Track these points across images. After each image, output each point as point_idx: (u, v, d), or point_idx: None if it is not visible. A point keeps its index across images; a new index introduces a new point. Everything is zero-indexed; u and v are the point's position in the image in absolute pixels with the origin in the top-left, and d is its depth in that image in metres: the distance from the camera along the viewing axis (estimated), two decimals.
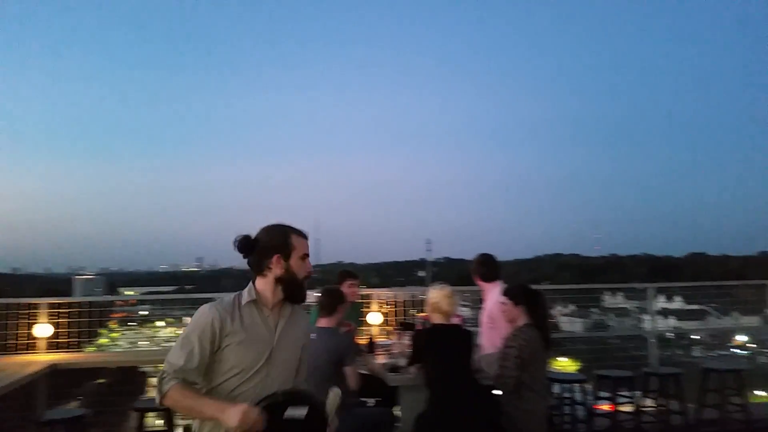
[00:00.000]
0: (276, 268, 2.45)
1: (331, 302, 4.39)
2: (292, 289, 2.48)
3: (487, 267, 5.11)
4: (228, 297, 2.46)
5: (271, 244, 2.46)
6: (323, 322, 4.35)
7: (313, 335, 4.34)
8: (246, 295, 2.46)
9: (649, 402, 6.23)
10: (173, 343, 2.41)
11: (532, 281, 7.12)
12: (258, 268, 2.47)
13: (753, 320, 8.88)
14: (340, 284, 5.29)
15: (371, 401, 4.57)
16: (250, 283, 2.50)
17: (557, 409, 5.81)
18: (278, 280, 2.46)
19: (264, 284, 2.48)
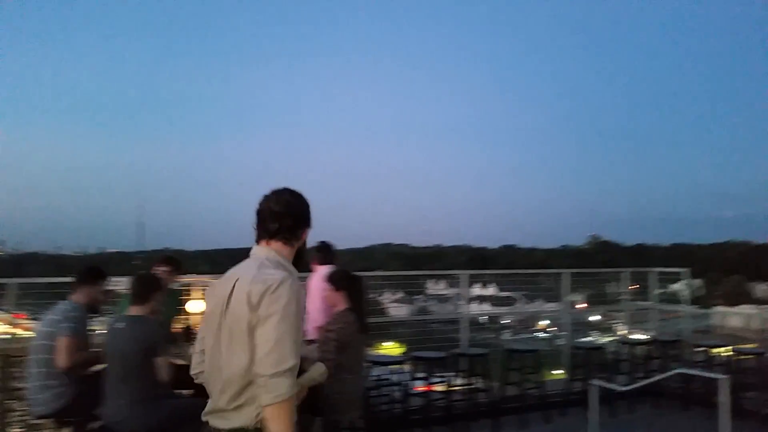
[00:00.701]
0: (302, 239, 2.33)
1: (144, 290, 4.15)
2: (299, 264, 2.33)
3: (324, 252, 5.51)
4: (282, 267, 2.19)
5: (306, 214, 2.34)
6: (134, 310, 4.09)
7: (121, 324, 4.04)
8: (289, 266, 2.25)
9: (459, 381, 6.70)
10: None
11: (365, 269, 7.37)
12: (290, 235, 2.27)
13: (554, 306, 9.87)
14: (155, 271, 5.03)
15: (186, 393, 4.35)
16: (275, 253, 2.24)
17: (376, 390, 6.02)
18: (298, 252, 2.32)
19: (290, 254, 2.28)
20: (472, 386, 6.67)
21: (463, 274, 7.85)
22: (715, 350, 7.62)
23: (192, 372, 2.35)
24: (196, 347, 2.36)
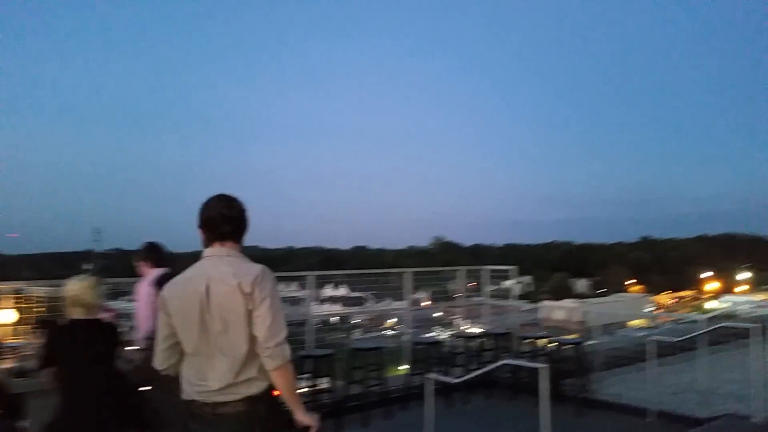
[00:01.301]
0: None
1: None
2: None
3: (154, 253, 5.13)
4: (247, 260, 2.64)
5: (248, 217, 2.74)
6: None
7: None
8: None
9: (303, 383, 6.66)
10: None
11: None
12: (240, 236, 2.69)
13: (401, 304, 10.15)
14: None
15: None
16: (233, 251, 2.63)
17: None
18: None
19: (241, 251, 2.69)
20: (317, 387, 6.66)
21: (310, 275, 7.83)
22: (540, 341, 8.33)
23: (161, 366, 2.68)
24: (161, 345, 2.64)
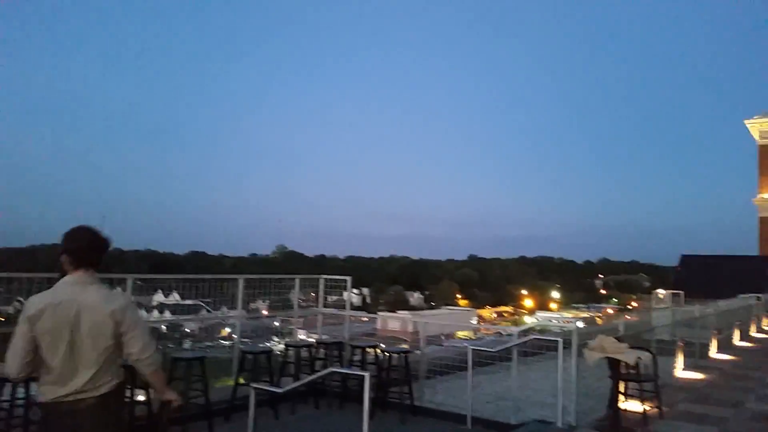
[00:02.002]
0: None
1: None
2: None
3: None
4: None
5: None
6: None
7: None
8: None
9: None
10: None
11: (27, 269, 6.33)
12: (100, 262, 3.18)
13: (237, 313, 9.75)
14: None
15: None
16: (94, 277, 3.13)
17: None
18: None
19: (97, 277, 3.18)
20: (133, 400, 6.11)
21: (129, 278, 7.17)
22: (370, 350, 8.44)
23: (17, 374, 3.01)
24: (24, 357, 2.96)
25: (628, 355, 6.57)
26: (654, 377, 7.17)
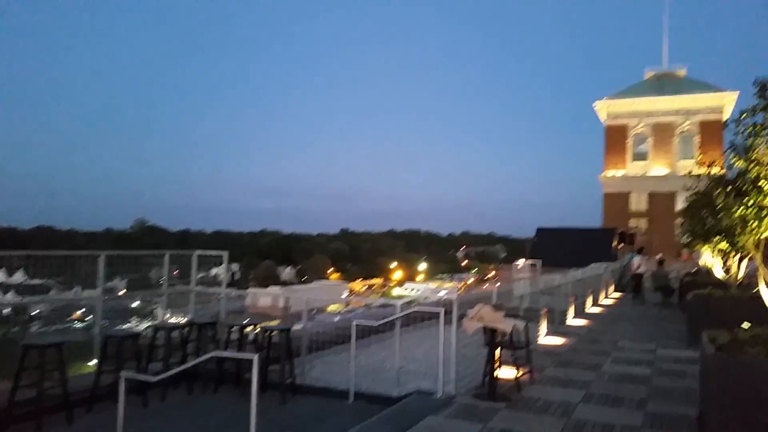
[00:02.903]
0: None
1: None
2: None
3: None
4: None
5: None
6: None
7: None
8: None
9: None
10: None
11: None
12: None
13: (92, 293, 8.87)
14: None
15: None
16: None
17: None
18: None
19: None
20: None
21: None
22: (247, 329, 8.07)
23: None
24: None
25: (505, 324, 6.82)
26: (526, 344, 7.53)
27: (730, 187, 5.66)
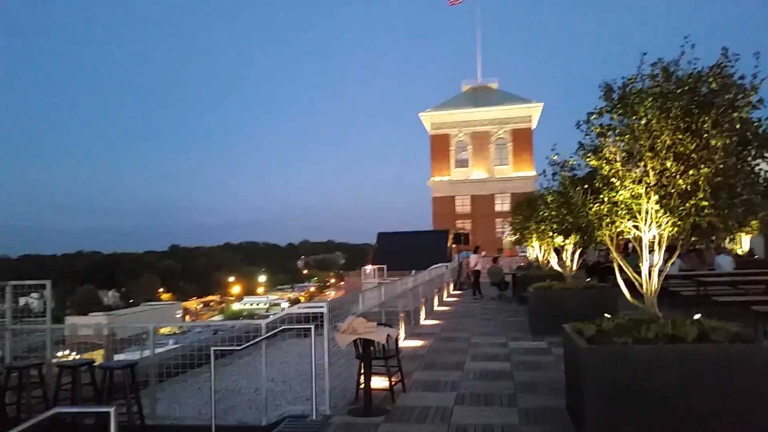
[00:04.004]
0: None
1: None
2: None
3: None
4: None
5: None
6: None
7: None
8: None
9: None
10: None
11: None
12: None
13: None
14: None
15: None
16: None
17: None
18: None
19: None
20: None
21: None
22: (83, 368, 6.91)
23: None
24: None
25: (379, 334, 6.56)
26: (396, 352, 7.35)
27: (585, 186, 5.95)
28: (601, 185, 5.82)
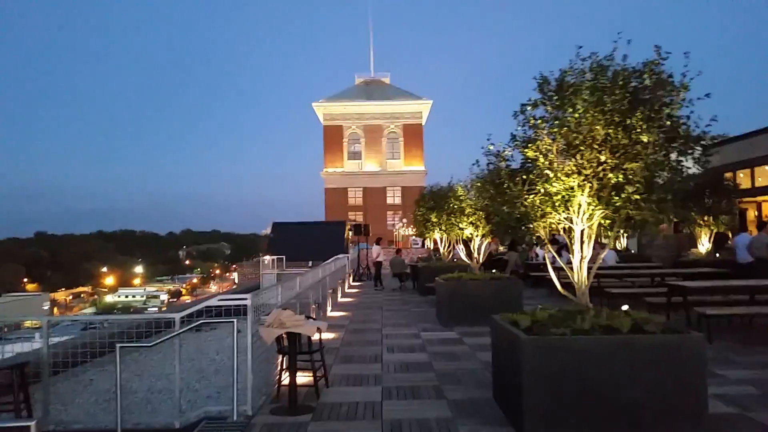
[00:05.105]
0: None
1: None
2: None
3: None
4: None
5: None
6: None
7: None
8: None
9: None
10: None
11: None
12: None
13: None
14: None
15: None
16: None
17: None
18: None
19: None
20: None
21: None
22: None
23: None
24: None
25: (309, 327, 6.21)
26: (320, 346, 7.01)
27: (519, 178, 5.95)
28: (535, 177, 5.85)
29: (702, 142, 5.58)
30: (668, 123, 5.44)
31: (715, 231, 18.41)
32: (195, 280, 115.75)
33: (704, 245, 18.54)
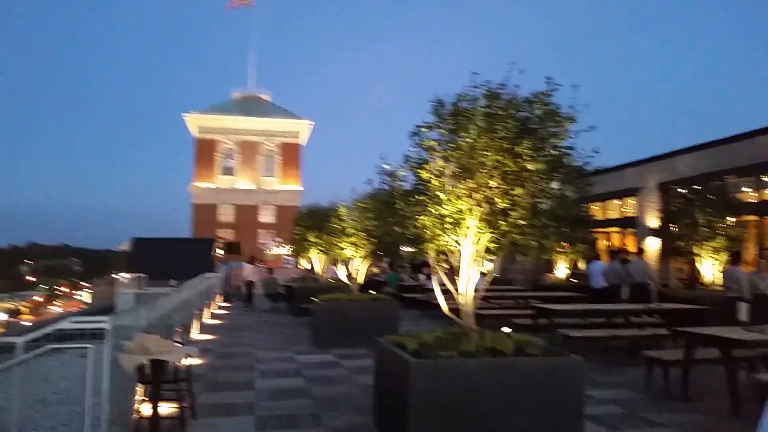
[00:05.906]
0: None
1: None
2: None
3: None
4: None
5: None
6: None
7: None
8: None
9: None
10: None
11: None
12: None
13: None
14: None
15: None
16: None
17: None
18: None
19: None
20: None
21: None
22: None
23: None
24: None
25: (176, 354, 5.59)
26: (188, 374, 6.38)
27: (417, 197, 5.85)
28: (427, 199, 5.77)
29: (582, 173, 5.82)
30: (553, 152, 5.61)
31: (571, 258, 19.82)
32: (39, 298, 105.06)
33: (562, 271, 19.87)
